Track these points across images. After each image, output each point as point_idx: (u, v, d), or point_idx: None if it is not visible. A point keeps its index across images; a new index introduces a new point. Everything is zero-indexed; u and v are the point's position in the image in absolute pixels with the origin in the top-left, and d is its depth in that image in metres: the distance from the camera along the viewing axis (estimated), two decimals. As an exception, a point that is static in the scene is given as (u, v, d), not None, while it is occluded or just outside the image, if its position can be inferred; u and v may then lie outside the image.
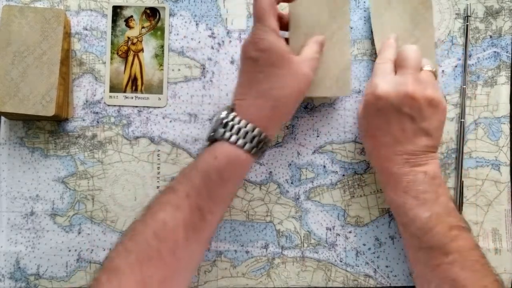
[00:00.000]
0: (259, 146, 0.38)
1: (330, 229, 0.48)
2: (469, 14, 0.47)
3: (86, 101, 0.48)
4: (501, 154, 0.48)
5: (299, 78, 0.39)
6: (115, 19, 0.45)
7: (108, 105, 0.47)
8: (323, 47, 0.43)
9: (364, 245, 0.47)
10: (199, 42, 0.48)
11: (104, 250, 0.47)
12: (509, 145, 0.48)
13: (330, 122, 0.48)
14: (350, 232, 0.48)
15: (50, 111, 0.43)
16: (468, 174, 0.47)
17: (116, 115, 0.48)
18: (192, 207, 0.36)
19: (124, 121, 0.48)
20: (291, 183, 0.48)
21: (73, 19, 0.48)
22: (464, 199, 0.47)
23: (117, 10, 0.45)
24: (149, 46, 0.47)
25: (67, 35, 0.47)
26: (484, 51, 0.48)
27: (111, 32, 0.45)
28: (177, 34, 0.48)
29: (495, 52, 0.48)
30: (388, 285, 0.47)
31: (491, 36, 0.48)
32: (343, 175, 0.48)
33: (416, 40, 0.46)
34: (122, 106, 0.48)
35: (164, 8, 0.46)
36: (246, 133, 0.37)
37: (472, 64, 0.48)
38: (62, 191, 0.47)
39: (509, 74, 0.48)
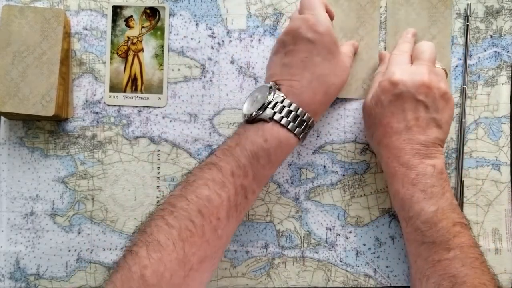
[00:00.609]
0: (305, 131, 0.38)
1: (330, 229, 0.48)
2: (469, 14, 0.47)
3: (86, 101, 0.48)
4: (501, 154, 0.47)
5: (344, 69, 0.40)
6: (115, 19, 0.45)
7: (108, 105, 0.47)
8: (355, 52, 0.44)
9: (364, 245, 0.47)
10: (199, 42, 0.48)
11: (104, 250, 0.47)
12: (509, 145, 0.48)
13: (330, 122, 0.48)
14: (350, 232, 0.48)
15: (50, 111, 0.43)
16: (468, 174, 0.47)
17: (116, 115, 0.48)
18: (237, 187, 0.35)
19: (124, 121, 0.48)
20: (291, 183, 0.48)
21: (73, 19, 0.48)
22: (464, 199, 0.47)
23: (117, 10, 0.45)
24: (149, 46, 0.47)
25: (67, 35, 0.47)
26: (485, 51, 0.48)
27: (111, 32, 0.45)
28: (177, 34, 0.48)
29: (495, 52, 0.48)
30: (388, 285, 0.47)
31: (491, 36, 0.48)
32: (343, 175, 0.48)
33: (432, 37, 0.47)
34: (122, 106, 0.48)
35: (164, 8, 0.46)
36: (297, 116, 0.36)
37: (473, 64, 0.48)
38: (62, 191, 0.47)
39: (510, 74, 0.48)
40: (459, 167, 0.47)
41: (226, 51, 0.48)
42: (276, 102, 0.36)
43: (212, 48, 0.48)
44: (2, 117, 0.48)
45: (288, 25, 0.40)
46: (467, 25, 0.47)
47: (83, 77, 0.48)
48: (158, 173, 0.48)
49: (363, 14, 0.47)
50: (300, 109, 0.37)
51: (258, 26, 0.48)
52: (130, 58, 0.47)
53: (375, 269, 0.47)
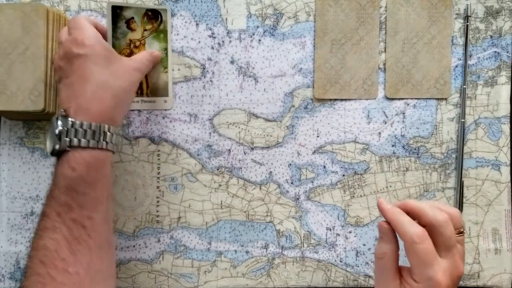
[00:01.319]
0: (109, 140, 0.37)
1: (330, 229, 0.48)
2: (469, 14, 0.47)
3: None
4: (501, 154, 0.47)
5: (130, 71, 0.40)
6: (115, 20, 0.45)
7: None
8: (155, 61, 0.45)
9: (364, 245, 0.47)
10: (199, 42, 0.48)
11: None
12: (509, 145, 0.48)
13: (330, 122, 0.48)
14: (350, 232, 0.48)
15: (39, 105, 0.43)
16: (468, 174, 0.47)
17: (116, 115, 0.48)
18: (68, 223, 0.35)
19: (124, 121, 0.48)
20: (291, 183, 0.48)
21: (73, 19, 0.48)
22: (464, 199, 0.47)
23: (116, 11, 0.45)
24: (152, 48, 0.47)
25: None
26: (485, 51, 0.48)
27: (112, 34, 0.45)
28: (177, 34, 0.48)
29: (495, 52, 0.48)
30: (388, 285, 0.47)
31: (491, 36, 0.48)
32: (343, 175, 0.48)
33: (431, 37, 0.47)
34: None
35: (165, 10, 0.46)
36: (94, 132, 0.36)
37: (473, 64, 0.48)
38: (62, 191, 0.47)
39: (510, 74, 0.48)
40: (459, 167, 0.47)
41: (226, 51, 0.48)
42: (67, 129, 0.36)
43: (212, 48, 0.48)
44: (2, 117, 0.48)
45: (59, 50, 0.40)
46: (467, 25, 0.47)
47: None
48: (158, 173, 0.48)
49: (363, 14, 0.47)
50: (93, 124, 0.36)
51: (258, 26, 0.48)
52: None
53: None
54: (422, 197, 0.48)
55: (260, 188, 0.48)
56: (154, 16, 0.46)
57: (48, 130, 0.38)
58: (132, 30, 0.45)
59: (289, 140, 0.48)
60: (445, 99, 0.48)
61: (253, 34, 0.48)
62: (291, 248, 0.47)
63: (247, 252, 0.47)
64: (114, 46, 0.44)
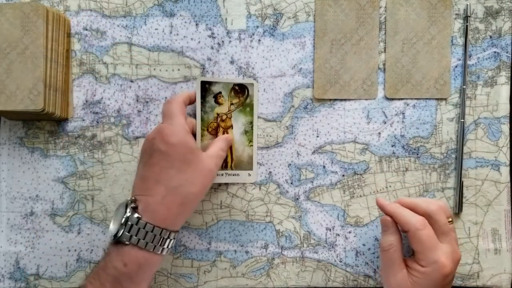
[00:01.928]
0: (165, 245, 0.37)
1: (330, 229, 0.48)
2: (469, 14, 0.47)
3: (86, 101, 0.48)
4: (500, 154, 0.48)
5: (205, 174, 0.39)
6: (204, 95, 0.45)
7: None
8: (229, 145, 0.45)
9: (363, 245, 0.47)
10: (199, 42, 0.48)
11: (104, 250, 0.47)
12: (508, 145, 0.48)
13: (330, 122, 0.48)
14: (349, 232, 0.48)
15: (39, 105, 0.42)
16: (468, 174, 0.47)
17: (116, 115, 0.48)
18: None
19: (124, 121, 0.48)
20: (291, 183, 0.48)
21: (73, 19, 0.48)
22: (464, 199, 0.47)
23: (205, 86, 0.45)
24: (238, 122, 0.47)
25: (67, 35, 0.47)
26: (484, 51, 0.48)
27: (201, 108, 0.45)
28: (177, 34, 0.48)
29: (495, 52, 0.48)
30: (388, 285, 0.47)
31: (491, 37, 0.48)
32: (343, 175, 0.48)
33: (431, 37, 0.47)
34: (213, 183, 0.47)
35: (252, 84, 0.47)
36: (154, 235, 0.36)
37: (472, 64, 0.48)
38: (61, 191, 0.47)
39: (509, 74, 0.48)
40: (458, 167, 0.47)
41: (226, 52, 0.48)
42: (132, 224, 0.36)
43: (212, 48, 0.48)
44: (2, 117, 0.48)
45: (148, 134, 0.40)
46: (467, 25, 0.48)
47: (83, 77, 0.48)
48: (158, 173, 0.48)
49: (362, 14, 0.47)
50: (156, 228, 0.36)
51: (257, 27, 0.48)
52: (220, 135, 0.46)
53: (374, 269, 0.47)
54: (422, 197, 0.48)
55: (260, 188, 0.48)
56: (241, 90, 0.47)
57: (115, 211, 0.38)
58: (219, 104, 0.46)
59: (289, 140, 0.48)
60: (445, 99, 0.48)
61: (253, 34, 0.48)
62: (291, 248, 0.47)
63: (246, 252, 0.47)
64: (202, 120, 0.45)
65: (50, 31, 0.44)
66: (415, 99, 0.48)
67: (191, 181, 0.38)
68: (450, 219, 0.42)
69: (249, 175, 0.47)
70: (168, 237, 0.37)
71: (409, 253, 0.45)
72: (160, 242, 0.37)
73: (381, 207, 0.43)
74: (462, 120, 0.47)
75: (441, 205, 0.42)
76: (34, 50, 0.43)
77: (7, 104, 0.42)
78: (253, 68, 0.48)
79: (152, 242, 0.36)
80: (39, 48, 0.43)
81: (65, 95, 0.46)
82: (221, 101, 0.46)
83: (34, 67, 0.43)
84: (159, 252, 0.37)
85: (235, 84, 0.47)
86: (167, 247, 0.38)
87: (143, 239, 0.36)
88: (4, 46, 0.43)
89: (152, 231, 0.36)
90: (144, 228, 0.36)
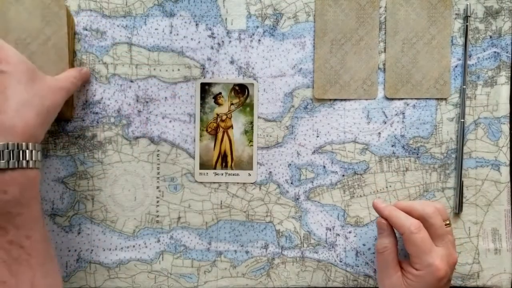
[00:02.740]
0: (34, 158, 0.37)
1: (330, 229, 0.48)
2: (468, 14, 0.47)
3: (86, 101, 0.48)
4: (500, 154, 0.48)
5: (54, 89, 0.39)
6: (203, 96, 0.46)
7: (199, 182, 0.48)
8: (84, 78, 0.46)
9: (364, 245, 0.47)
10: (199, 42, 0.48)
11: (104, 250, 0.47)
12: (508, 145, 0.48)
13: (330, 122, 0.48)
14: (350, 232, 0.48)
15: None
16: (468, 174, 0.47)
17: (116, 115, 0.48)
18: (4, 246, 0.35)
19: (124, 121, 0.48)
20: (291, 183, 0.48)
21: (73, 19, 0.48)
22: (464, 199, 0.47)
23: (205, 87, 0.46)
24: (238, 122, 0.47)
25: (73, 36, 0.47)
26: (484, 51, 0.48)
27: (200, 109, 0.45)
28: (177, 34, 0.48)
29: (495, 52, 0.48)
30: (388, 285, 0.47)
31: (491, 36, 0.48)
32: (343, 175, 0.48)
33: (431, 38, 0.47)
34: (212, 183, 0.48)
35: (252, 84, 0.47)
36: (22, 152, 0.36)
37: (472, 64, 0.48)
38: (61, 191, 0.47)
39: (509, 74, 0.48)
40: (458, 167, 0.47)
41: (226, 52, 0.48)
42: None
43: (212, 48, 0.48)
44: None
45: None
46: (467, 25, 0.48)
47: (83, 77, 0.48)
48: (158, 173, 0.48)
49: (362, 14, 0.47)
50: (18, 144, 0.36)
51: (257, 27, 0.48)
52: (219, 135, 0.47)
53: (374, 269, 0.47)
54: (422, 197, 0.48)
55: (260, 188, 0.48)
56: (241, 90, 0.47)
57: None
58: (219, 104, 0.46)
59: (289, 140, 0.48)
60: (445, 99, 0.48)
61: (253, 34, 0.48)
62: (291, 248, 0.47)
63: (247, 252, 0.47)
64: (201, 120, 0.45)
65: (72, 38, 0.44)
66: (415, 99, 0.48)
67: (41, 95, 0.38)
68: (447, 222, 0.42)
69: (249, 175, 0.47)
70: (34, 149, 0.37)
71: (406, 256, 0.45)
72: (28, 156, 0.36)
73: (377, 210, 0.43)
74: (462, 120, 0.47)
75: (438, 207, 0.42)
76: (57, 41, 0.42)
77: None
78: (253, 68, 0.48)
79: (21, 159, 0.36)
80: (63, 39, 0.42)
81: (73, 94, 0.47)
82: (221, 101, 0.46)
83: (58, 59, 0.42)
84: (31, 166, 0.37)
85: (235, 84, 0.47)
86: (37, 159, 0.37)
87: (12, 160, 0.35)
88: (24, 36, 0.42)
89: (17, 148, 0.36)
90: (7, 149, 0.35)
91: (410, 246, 0.40)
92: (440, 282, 0.39)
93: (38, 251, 0.37)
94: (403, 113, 0.48)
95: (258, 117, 0.48)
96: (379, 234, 0.43)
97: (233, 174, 0.47)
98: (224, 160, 0.47)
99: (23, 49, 0.42)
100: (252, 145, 0.47)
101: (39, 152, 0.38)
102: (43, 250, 0.37)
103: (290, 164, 0.48)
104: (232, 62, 0.48)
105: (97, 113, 0.48)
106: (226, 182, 0.48)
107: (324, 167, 0.48)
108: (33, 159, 0.37)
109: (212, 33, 0.48)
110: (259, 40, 0.48)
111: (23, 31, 0.42)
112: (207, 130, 0.47)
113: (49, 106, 0.38)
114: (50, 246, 0.39)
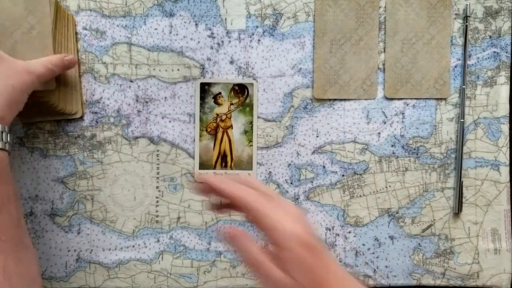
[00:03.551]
0: (7, 139, 0.38)
1: (330, 229, 0.48)
2: (468, 14, 0.47)
3: (86, 101, 0.48)
4: (500, 154, 0.48)
5: (21, 71, 0.39)
6: (203, 96, 0.46)
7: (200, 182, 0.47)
8: (69, 66, 0.43)
9: (363, 245, 0.47)
10: (199, 42, 0.48)
11: (103, 250, 0.47)
12: (508, 145, 0.48)
13: (329, 123, 0.48)
14: (349, 232, 0.48)
15: (51, 85, 0.42)
16: (467, 174, 0.47)
17: (116, 115, 0.48)
18: None
19: (123, 121, 0.48)
20: (291, 183, 0.48)
21: (73, 19, 0.48)
22: (464, 199, 0.47)
23: (204, 87, 0.46)
24: (238, 122, 0.47)
25: (75, 35, 0.47)
26: (484, 51, 0.48)
27: (200, 109, 0.46)
28: (177, 35, 0.48)
29: (494, 52, 0.48)
30: (388, 285, 0.47)
31: (490, 37, 0.48)
32: (343, 175, 0.48)
33: (431, 38, 0.47)
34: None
35: (252, 84, 0.47)
36: None
37: (472, 64, 0.48)
38: (61, 191, 0.47)
39: (509, 74, 0.48)
40: (458, 167, 0.47)
41: (226, 51, 0.48)
42: None
43: (212, 48, 0.48)
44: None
45: None
46: (466, 25, 0.48)
47: (82, 77, 0.48)
48: (158, 173, 0.48)
49: (362, 14, 0.47)
50: None
51: (257, 27, 0.48)
52: (219, 135, 0.47)
53: (374, 269, 0.47)
54: (422, 197, 0.48)
55: (260, 188, 0.48)
56: (240, 90, 0.47)
57: None
58: (219, 104, 0.46)
59: (289, 140, 0.48)
60: (445, 99, 0.48)
61: (253, 34, 0.48)
62: (291, 248, 0.47)
63: (246, 252, 0.47)
64: (201, 120, 0.45)
65: (58, 18, 0.43)
66: (415, 99, 0.48)
67: (5, 76, 0.38)
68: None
69: (249, 175, 0.47)
70: (4, 130, 0.37)
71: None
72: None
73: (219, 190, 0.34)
74: (462, 120, 0.47)
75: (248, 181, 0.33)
76: (41, 30, 0.42)
77: None
78: (252, 68, 0.48)
79: None
80: (47, 28, 0.42)
81: (79, 92, 0.47)
82: (220, 101, 0.46)
83: (42, 47, 0.42)
84: (4, 149, 0.37)
85: (234, 84, 0.47)
86: (7, 141, 0.38)
87: None
88: (7, 24, 0.42)
89: None
90: None
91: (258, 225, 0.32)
92: (302, 244, 0.30)
93: (7, 235, 0.36)
94: (403, 113, 0.48)
95: (258, 117, 0.48)
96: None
97: (233, 174, 0.47)
98: (223, 160, 0.47)
99: (7, 37, 0.42)
100: (252, 145, 0.47)
101: (8, 135, 0.38)
102: (14, 235, 0.37)
103: (290, 164, 0.48)
104: (231, 62, 0.48)
105: (96, 113, 0.48)
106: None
107: (324, 167, 0.48)
108: (4, 142, 0.37)
109: (212, 33, 0.48)
110: (259, 40, 0.48)
111: (6, 19, 0.42)
112: (206, 130, 0.47)
113: (14, 87, 0.38)
114: (24, 233, 0.38)
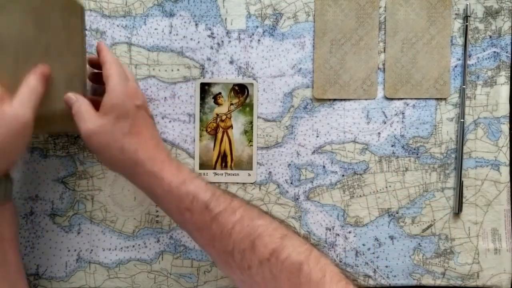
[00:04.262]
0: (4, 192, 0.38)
1: (330, 229, 0.48)
2: (468, 14, 0.47)
3: (86, 101, 0.48)
4: (500, 154, 0.48)
5: (11, 124, 0.35)
6: (203, 96, 0.46)
7: None
8: (47, 78, 0.37)
9: (363, 245, 0.47)
10: (199, 42, 0.48)
11: (103, 250, 0.47)
12: (508, 145, 0.48)
13: (329, 122, 0.48)
14: (349, 232, 0.48)
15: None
16: (467, 174, 0.47)
17: (116, 115, 0.48)
18: None
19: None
20: (291, 183, 0.48)
21: (73, 19, 0.48)
22: (464, 199, 0.47)
23: (204, 87, 0.46)
24: (238, 122, 0.47)
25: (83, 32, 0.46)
26: (484, 51, 0.48)
27: (200, 109, 0.46)
28: (177, 35, 0.48)
29: (494, 52, 0.48)
30: (388, 285, 0.47)
31: (490, 36, 0.48)
32: (343, 175, 0.48)
33: (431, 38, 0.47)
34: (212, 183, 0.47)
35: (252, 84, 0.47)
36: None
37: (472, 64, 0.48)
38: (61, 191, 0.47)
39: (509, 74, 0.48)
40: (458, 167, 0.47)
41: (226, 52, 0.48)
42: None
43: (212, 48, 0.48)
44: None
45: None
46: (466, 25, 0.48)
47: (82, 77, 0.48)
48: (158, 173, 0.48)
49: (362, 14, 0.47)
50: None
51: (257, 27, 0.48)
52: (219, 135, 0.47)
53: (374, 269, 0.47)
54: (422, 197, 0.48)
55: (260, 188, 0.48)
56: (240, 90, 0.47)
57: None
58: (219, 104, 0.46)
59: (289, 140, 0.48)
60: (445, 99, 0.48)
61: (253, 34, 0.48)
62: (291, 248, 0.47)
63: (246, 252, 0.47)
64: (201, 120, 0.45)
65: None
66: (415, 99, 0.48)
67: None
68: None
69: (249, 175, 0.47)
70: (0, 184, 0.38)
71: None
72: None
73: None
74: (462, 120, 0.47)
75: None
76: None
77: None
78: (252, 68, 0.48)
79: None
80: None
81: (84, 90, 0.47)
82: (220, 101, 0.46)
83: (75, 53, 0.40)
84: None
85: (234, 84, 0.47)
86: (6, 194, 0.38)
87: None
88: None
89: None
90: None
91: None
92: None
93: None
94: (403, 113, 0.48)
95: (258, 117, 0.48)
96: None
97: (233, 174, 0.47)
98: (223, 160, 0.47)
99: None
100: (252, 145, 0.47)
101: (5, 188, 0.38)
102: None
103: (290, 164, 0.48)
104: (231, 62, 0.48)
105: (96, 113, 0.48)
106: (226, 182, 0.48)
107: (324, 167, 0.48)
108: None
109: (212, 33, 0.48)
110: (259, 40, 0.48)
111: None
112: (206, 130, 0.47)
113: (1, 141, 0.36)
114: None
